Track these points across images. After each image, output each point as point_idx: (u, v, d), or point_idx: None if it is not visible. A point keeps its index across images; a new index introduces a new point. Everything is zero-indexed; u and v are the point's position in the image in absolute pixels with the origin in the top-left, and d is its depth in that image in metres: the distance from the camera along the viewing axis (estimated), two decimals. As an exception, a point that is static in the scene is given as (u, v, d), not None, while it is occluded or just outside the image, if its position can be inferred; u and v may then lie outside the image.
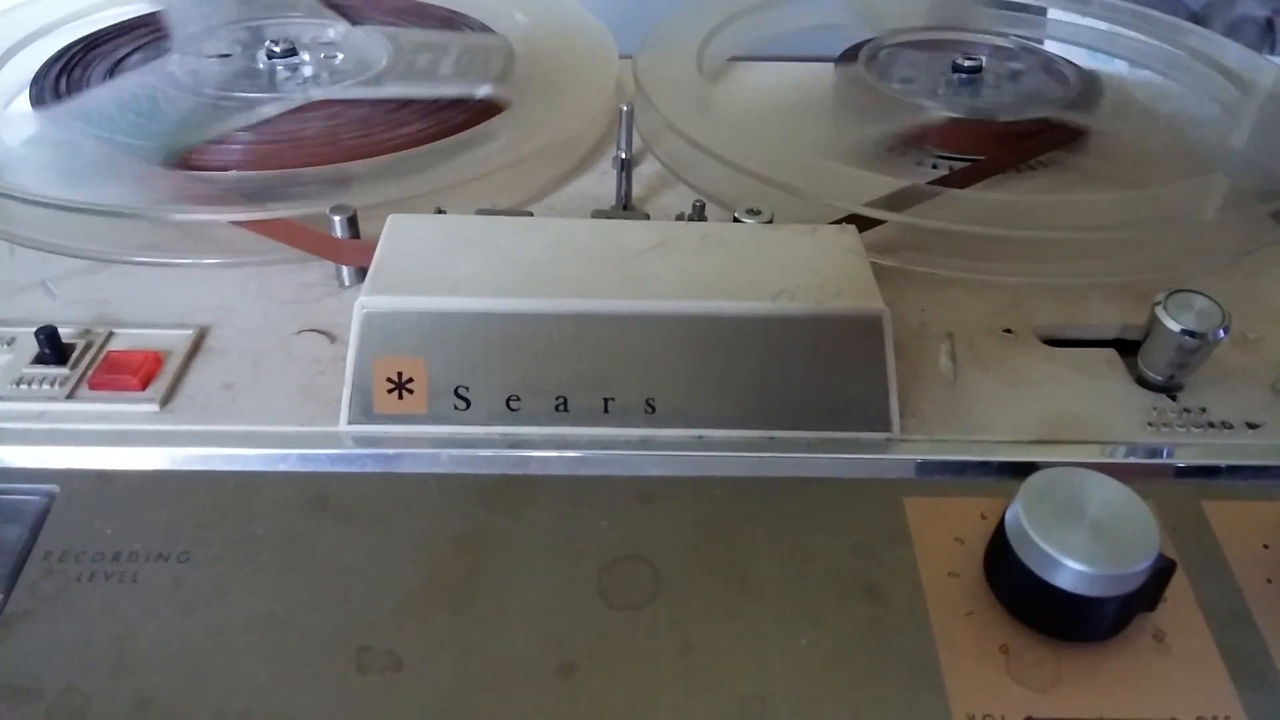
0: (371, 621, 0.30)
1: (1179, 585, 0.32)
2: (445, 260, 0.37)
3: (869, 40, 0.61)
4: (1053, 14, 0.69)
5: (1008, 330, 0.42)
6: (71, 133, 0.48)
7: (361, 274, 0.40)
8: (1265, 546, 0.33)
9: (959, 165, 0.53)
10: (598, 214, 0.46)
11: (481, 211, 0.43)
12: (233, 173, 0.46)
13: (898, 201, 0.45)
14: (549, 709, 0.29)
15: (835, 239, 0.39)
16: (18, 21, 0.58)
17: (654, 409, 0.36)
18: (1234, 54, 0.62)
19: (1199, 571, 0.32)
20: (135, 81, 0.51)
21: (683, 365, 0.35)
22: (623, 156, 0.48)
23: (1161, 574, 0.30)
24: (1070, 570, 0.29)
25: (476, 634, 0.30)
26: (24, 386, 0.37)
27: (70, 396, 0.37)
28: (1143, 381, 0.39)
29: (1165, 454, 0.37)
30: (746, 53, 0.65)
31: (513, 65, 0.58)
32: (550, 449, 0.35)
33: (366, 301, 0.35)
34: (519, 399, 0.35)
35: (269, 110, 0.51)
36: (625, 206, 0.49)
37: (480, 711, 0.29)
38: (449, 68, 0.57)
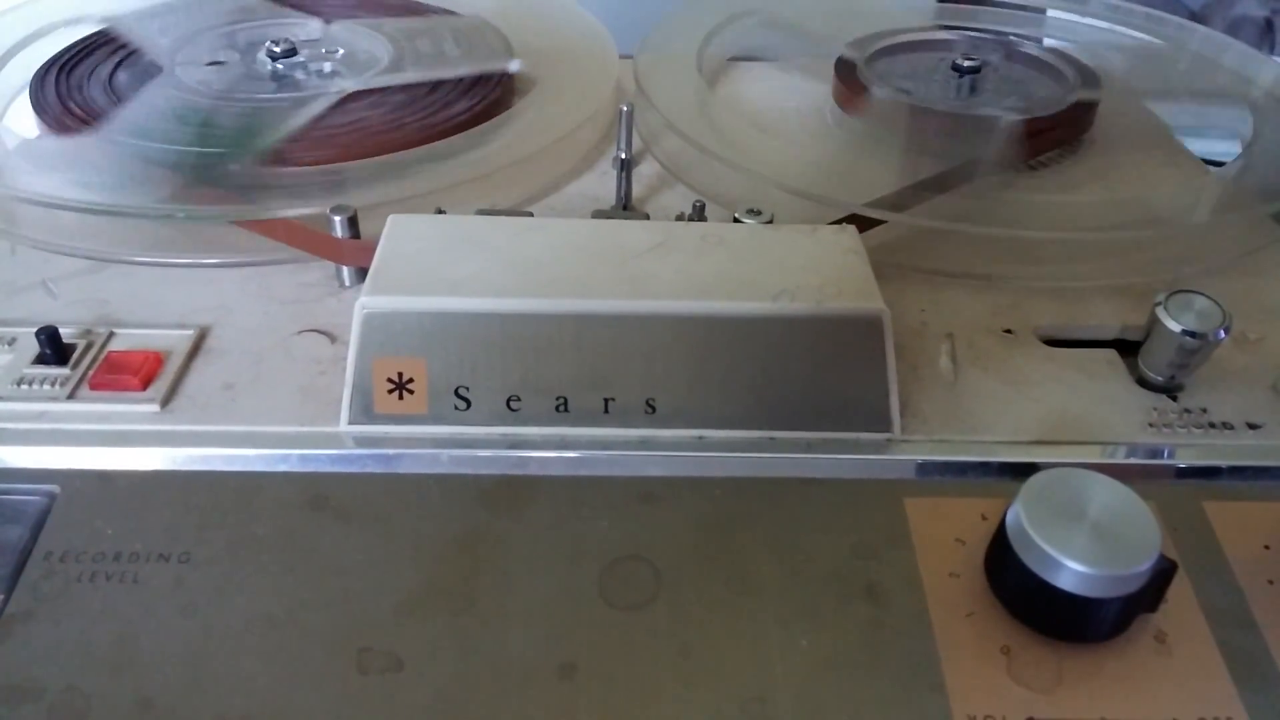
0: (372, 622, 0.30)
1: (1180, 586, 0.32)
2: (446, 260, 0.37)
3: (869, 40, 0.61)
4: (1052, 13, 0.69)
5: (1008, 330, 0.42)
6: (122, 147, 0.47)
7: (362, 274, 0.40)
8: (1266, 547, 0.33)
9: (959, 165, 0.53)
10: (598, 214, 0.46)
11: (482, 212, 0.43)
12: (339, 164, 0.47)
13: (898, 202, 0.45)
14: (549, 709, 0.29)
15: (835, 239, 0.39)
16: (15, 23, 0.58)
17: (654, 409, 0.36)
18: (1235, 53, 0.62)
19: (1200, 572, 0.32)
20: (160, 95, 0.51)
21: (683, 365, 0.35)
22: (623, 157, 0.48)
23: (1163, 575, 0.30)
24: (1071, 571, 0.29)
25: (477, 634, 0.30)
26: (25, 387, 0.37)
27: (71, 397, 0.37)
28: (1143, 382, 0.39)
29: (1166, 455, 0.37)
30: (746, 53, 0.65)
31: (505, 38, 0.59)
32: (550, 449, 0.35)
33: (367, 302, 0.35)
34: (519, 399, 0.35)
35: (318, 106, 0.51)
36: (625, 207, 0.49)
37: (480, 712, 0.29)
38: (453, 49, 0.58)
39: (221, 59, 0.55)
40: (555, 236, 0.38)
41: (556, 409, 0.36)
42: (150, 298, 0.42)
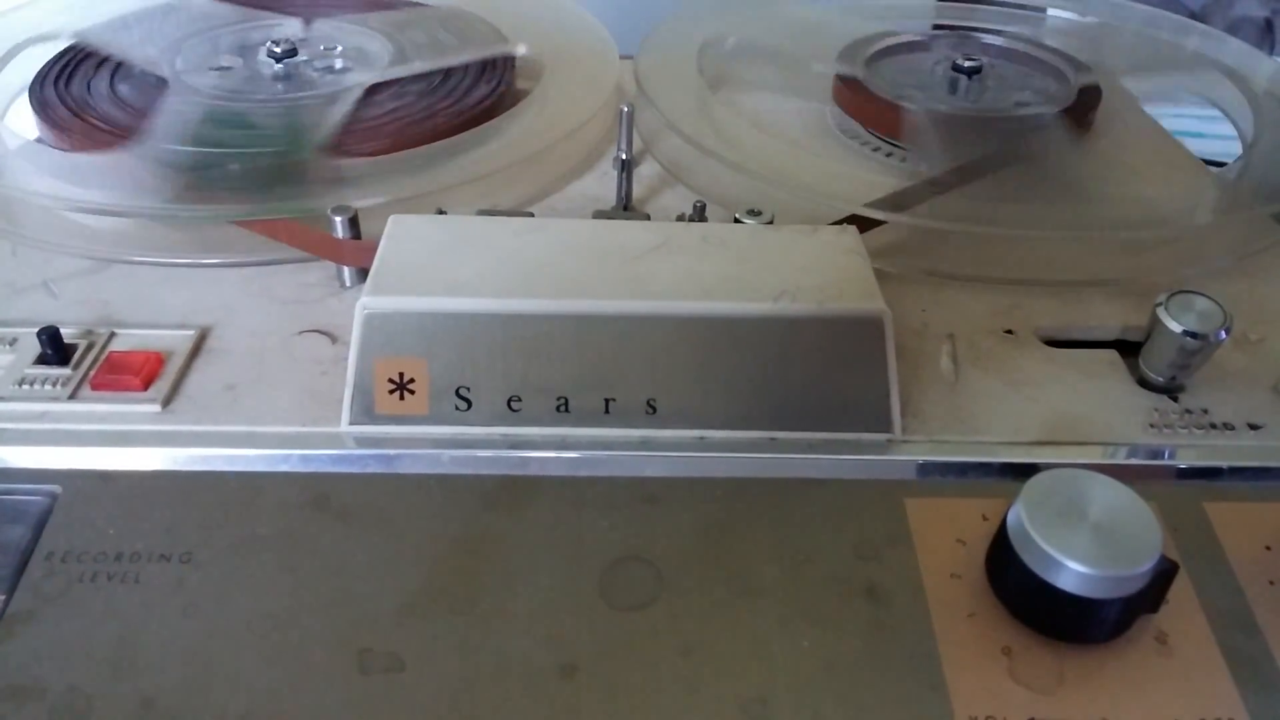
0: (373, 622, 0.31)
1: (1181, 587, 0.32)
2: (446, 261, 0.37)
3: (870, 40, 0.61)
4: (1052, 13, 0.69)
5: (1009, 331, 0.42)
6: (174, 157, 0.47)
7: (363, 274, 0.40)
8: (1267, 548, 0.33)
9: (959, 166, 0.53)
10: (599, 214, 0.46)
11: (483, 212, 0.43)
12: (398, 153, 0.48)
13: (898, 202, 0.45)
14: (550, 710, 0.29)
15: (836, 240, 0.39)
16: (15, 25, 0.58)
17: (655, 410, 0.36)
18: (1235, 53, 0.62)
19: (1201, 573, 0.32)
20: (186, 103, 0.51)
21: (684, 366, 0.35)
22: (623, 157, 0.48)
23: (1164, 576, 0.30)
24: (1072, 572, 0.29)
25: (478, 635, 0.30)
26: (26, 387, 0.37)
27: (72, 397, 0.37)
28: (1144, 383, 0.39)
29: (1167, 455, 0.37)
30: (746, 53, 0.65)
31: (490, 24, 0.60)
32: (551, 450, 0.35)
33: (368, 302, 0.35)
34: (520, 399, 0.35)
35: (349, 98, 0.52)
36: (626, 207, 0.49)
37: (482, 713, 0.29)
38: (449, 38, 0.59)
39: (225, 64, 0.55)
40: (556, 237, 0.38)
41: (557, 409, 0.36)
42: (151, 298, 0.42)
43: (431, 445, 0.35)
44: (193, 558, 0.32)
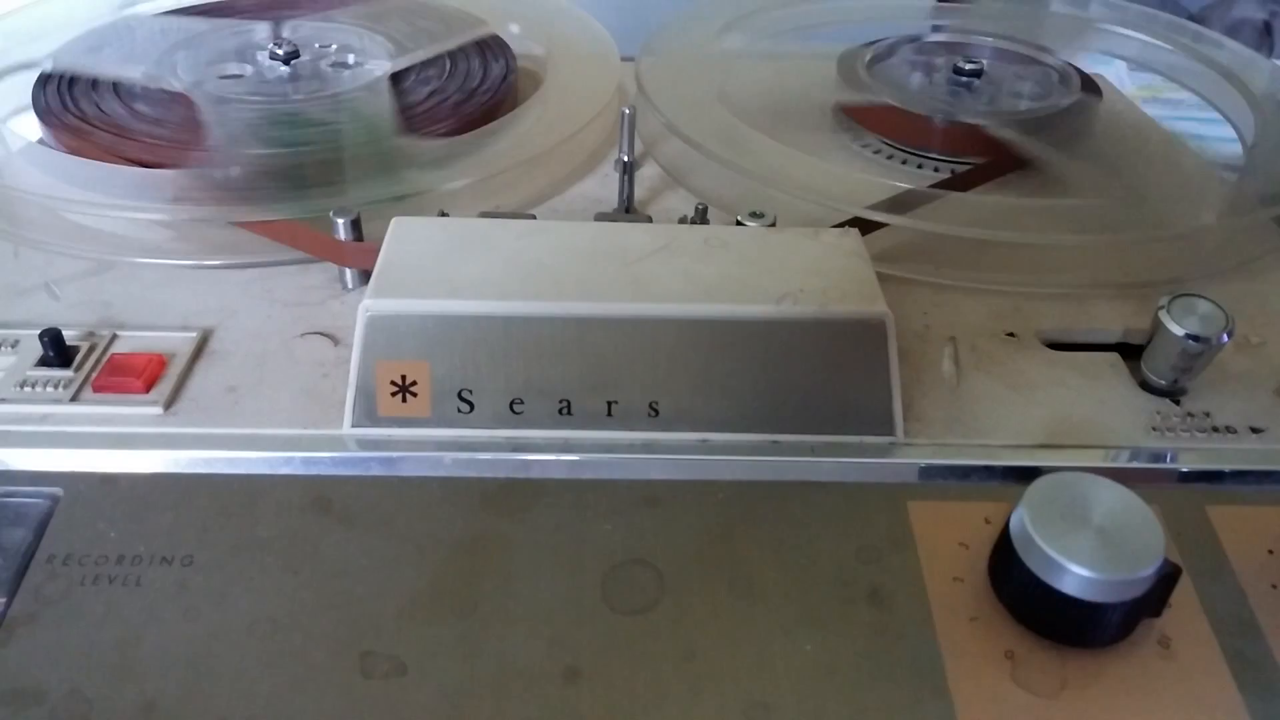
0: (375, 625, 0.30)
1: (1184, 591, 0.32)
2: (449, 263, 0.37)
3: (871, 43, 0.61)
4: (1052, 13, 0.69)
5: (1011, 334, 0.42)
6: (247, 162, 0.47)
7: (365, 276, 0.40)
8: (1270, 552, 0.33)
9: (961, 168, 0.53)
10: (600, 217, 0.46)
11: (485, 214, 0.43)
12: (473, 132, 0.50)
13: (900, 205, 0.45)
14: (552, 713, 0.29)
15: (838, 242, 0.39)
16: (15, 27, 0.58)
17: (657, 412, 0.36)
18: (1234, 54, 0.62)
19: (1204, 577, 0.32)
20: (230, 111, 0.50)
21: (686, 369, 0.35)
22: (625, 159, 0.48)
23: (1167, 579, 0.30)
24: (1075, 575, 0.29)
25: (480, 638, 0.30)
26: (28, 389, 0.37)
27: (74, 399, 0.36)
28: (1146, 386, 0.39)
29: (1169, 459, 0.36)
30: (748, 55, 0.65)
31: (458, 8, 0.62)
32: (553, 452, 0.35)
33: (370, 304, 0.35)
34: (522, 402, 0.35)
35: (382, 89, 0.53)
36: (628, 209, 0.49)
37: (484, 716, 0.29)
38: (433, 27, 0.59)
39: (234, 71, 0.55)
40: (558, 239, 0.38)
41: (559, 412, 0.36)
42: (153, 300, 0.42)
43: (434, 448, 0.35)
44: (194, 560, 0.32)
